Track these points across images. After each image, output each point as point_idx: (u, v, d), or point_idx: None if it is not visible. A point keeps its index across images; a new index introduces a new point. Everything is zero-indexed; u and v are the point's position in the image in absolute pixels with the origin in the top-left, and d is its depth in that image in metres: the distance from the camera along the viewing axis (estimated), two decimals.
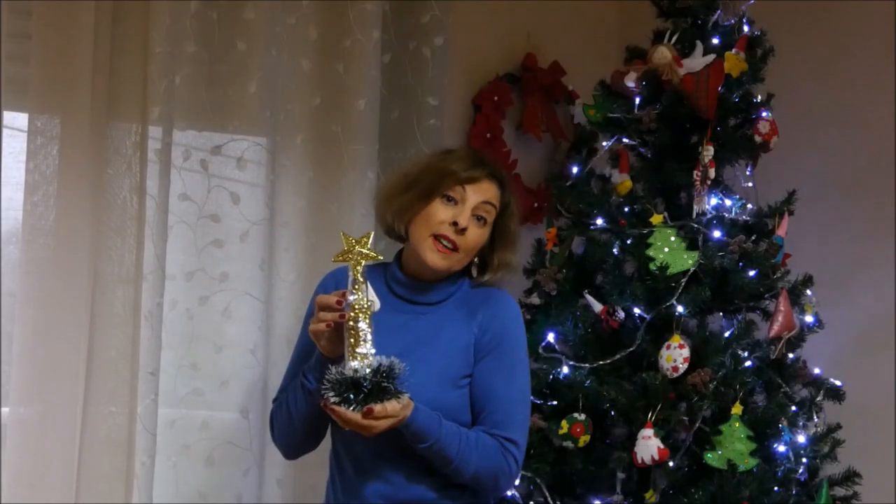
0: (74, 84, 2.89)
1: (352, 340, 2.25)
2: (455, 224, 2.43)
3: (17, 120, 2.95)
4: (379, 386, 2.23)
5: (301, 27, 3.23)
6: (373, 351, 2.25)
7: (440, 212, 2.44)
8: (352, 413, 2.23)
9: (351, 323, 2.26)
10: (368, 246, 2.31)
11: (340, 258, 2.32)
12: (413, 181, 2.49)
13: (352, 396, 2.22)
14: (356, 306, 2.26)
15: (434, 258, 2.44)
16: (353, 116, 3.25)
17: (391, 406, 2.25)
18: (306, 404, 2.42)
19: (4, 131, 2.87)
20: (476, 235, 2.46)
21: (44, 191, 2.90)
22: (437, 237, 2.43)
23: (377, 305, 2.29)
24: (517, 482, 2.78)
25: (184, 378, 3.09)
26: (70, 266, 2.90)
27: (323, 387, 2.26)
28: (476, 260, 2.53)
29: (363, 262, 2.30)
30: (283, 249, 3.21)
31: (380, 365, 2.23)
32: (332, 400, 2.23)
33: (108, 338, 2.95)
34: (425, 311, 2.50)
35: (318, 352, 2.38)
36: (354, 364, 2.23)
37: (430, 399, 2.37)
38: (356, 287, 2.28)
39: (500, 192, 2.50)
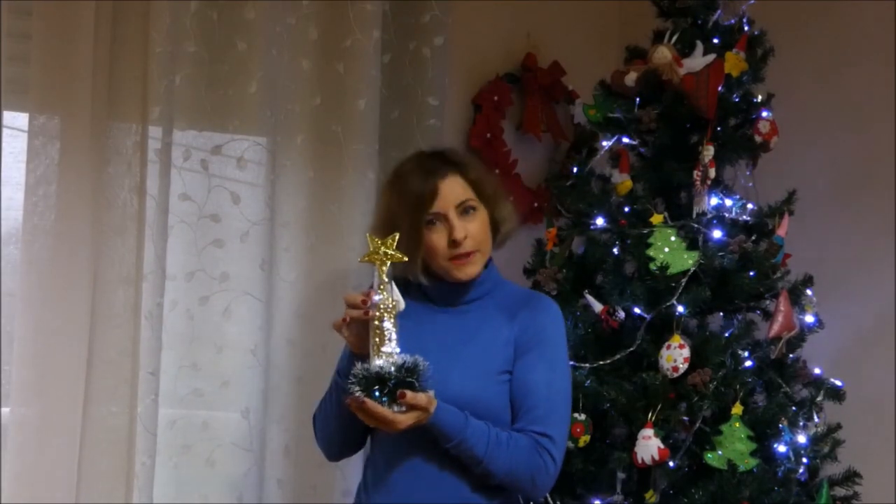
0: (74, 84, 2.89)
1: (377, 339, 2.31)
2: (454, 242, 2.47)
3: (17, 120, 2.95)
4: (403, 382, 2.29)
5: (301, 27, 3.23)
6: (397, 350, 2.31)
7: (436, 240, 2.48)
8: (379, 407, 2.28)
9: (376, 322, 2.31)
10: (394, 247, 2.34)
11: (367, 259, 2.35)
12: (389, 225, 2.48)
13: (376, 393, 2.28)
14: (381, 306, 2.31)
15: (463, 272, 2.50)
16: (353, 116, 3.25)
17: (420, 396, 2.29)
18: (340, 402, 2.45)
19: (4, 131, 2.87)
20: (476, 227, 2.50)
21: (44, 191, 2.90)
22: (452, 259, 2.48)
23: (402, 305, 2.34)
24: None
25: (184, 378, 3.09)
26: (70, 266, 2.90)
27: (349, 381, 2.30)
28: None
29: (388, 263, 2.34)
30: (284, 249, 3.21)
31: (404, 362, 2.29)
32: (358, 394, 2.29)
33: (109, 338, 2.95)
34: (464, 311, 2.54)
35: (347, 350, 2.43)
36: (379, 362, 2.29)
37: (469, 393, 2.41)
38: (381, 287, 2.32)
39: (463, 176, 2.52)
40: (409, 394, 2.28)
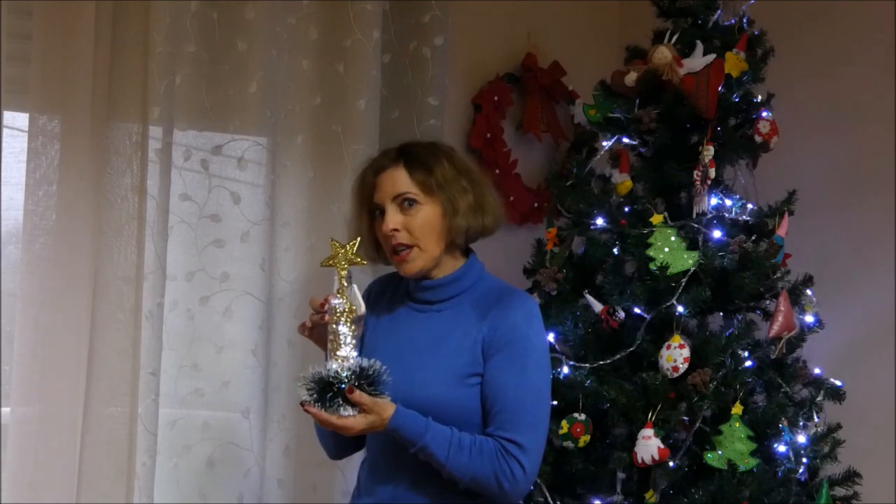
0: (74, 84, 2.89)
1: (332, 343, 2.31)
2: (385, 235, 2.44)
3: (18, 120, 2.95)
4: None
5: (301, 27, 3.24)
6: (353, 354, 2.30)
7: (378, 228, 2.46)
8: (322, 412, 2.28)
9: (333, 326, 2.31)
10: (354, 251, 2.34)
11: (328, 263, 2.34)
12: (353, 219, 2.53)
13: (327, 397, 2.28)
14: (338, 310, 2.31)
15: (402, 268, 2.46)
16: (354, 116, 3.26)
17: (364, 397, 2.27)
18: None
19: (4, 131, 2.87)
20: (416, 222, 2.42)
21: (44, 191, 2.90)
22: (392, 250, 2.45)
23: (362, 310, 2.33)
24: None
25: (184, 378, 3.09)
26: (70, 266, 2.90)
27: (298, 384, 2.31)
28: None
29: (348, 268, 2.33)
30: (284, 249, 3.22)
31: (358, 366, 2.28)
32: (305, 398, 2.29)
33: (109, 338, 2.95)
34: (440, 310, 2.48)
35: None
36: (333, 365, 2.29)
37: (433, 397, 2.38)
38: (339, 291, 2.32)
39: (407, 167, 2.44)
40: (355, 393, 2.26)
